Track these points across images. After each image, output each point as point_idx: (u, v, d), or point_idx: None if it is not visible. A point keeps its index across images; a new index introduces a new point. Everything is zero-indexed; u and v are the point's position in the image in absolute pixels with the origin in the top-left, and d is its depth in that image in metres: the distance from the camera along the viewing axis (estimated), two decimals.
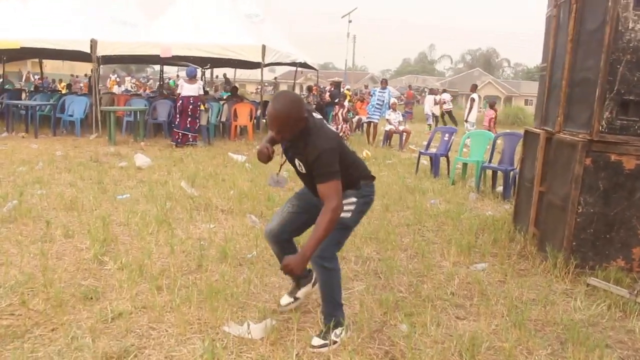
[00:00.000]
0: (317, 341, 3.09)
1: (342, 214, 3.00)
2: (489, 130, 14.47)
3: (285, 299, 3.60)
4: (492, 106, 17.76)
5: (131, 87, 32.67)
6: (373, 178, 3.26)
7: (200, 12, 13.14)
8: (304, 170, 3.06)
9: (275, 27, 16.38)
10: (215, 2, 13.38)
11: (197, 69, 14.52)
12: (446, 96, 21.96)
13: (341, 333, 3.16)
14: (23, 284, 3.76)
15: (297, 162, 3.08)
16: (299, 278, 3.56)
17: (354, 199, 3.11)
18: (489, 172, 8.46)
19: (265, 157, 3.23)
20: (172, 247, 4.58)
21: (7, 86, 19.80)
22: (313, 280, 3.59)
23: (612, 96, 4.18)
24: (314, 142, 2.92)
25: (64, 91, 20.49)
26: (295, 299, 3.59)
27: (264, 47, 12.26)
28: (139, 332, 3.20)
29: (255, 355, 2.98)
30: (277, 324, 3.29)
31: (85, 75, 26.06)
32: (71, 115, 13.51)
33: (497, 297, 3.91)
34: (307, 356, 3.01)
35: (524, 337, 3.27)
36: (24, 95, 17.19)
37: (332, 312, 3.16)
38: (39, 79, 22.53)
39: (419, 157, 9.85)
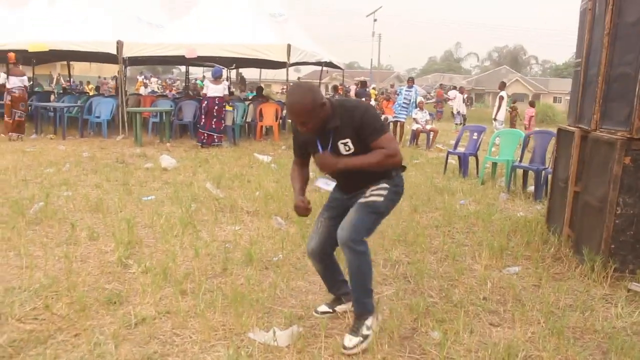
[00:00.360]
0: (350, 341, 3.00)
1: (375, 198, 3.03)
2: (527, 128, 14.26)
3: (323, 308, 3.50)
4: (532, 104, 18.31)
5: (157, 88, 32.96)
6: (404, 168, 3.20)
7: (225, 12, 13.10)
8: (351, 149, 2.97)
9: (300, 27, 16.30)
10: (239, 1, 13.32)
11: (223, 70, 14.51)
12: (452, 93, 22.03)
13: (371, 324, 3.08)
14: (47, 288, 3.72)
15: (341, 144, 2.98)
16: (342, 294, 3.45)
17: (385, 185, 3.06)
18: (520, 172, 8.25)
19: (303, 210, 3.13)
20: (196, 250, 4.50)
21: (36, 88, 20.09)
22: (347, 298, 3.45)
23: None
24: (352, 107, 2.97)
25: (91, 93, 20.72)
26: (333, 311, 3.49)
27: (289, 46, 12.17)
28: (162, 339, 3.13)
29: None
30: (304, 331, 3.19)
31: (114, 77, 26.37)
32: (98, 117, 13.62)
33: (532, 303, 3.75)
34: None
35: (562, 346, 3.11)
36: (52, 98, 17.39)
37: (362, 298, 3.09)
38: (67, 81, 22.81)
39: (447, 156, 9.66)
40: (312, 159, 3.22)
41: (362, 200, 3.05)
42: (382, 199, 3.04)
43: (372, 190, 3.05)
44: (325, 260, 3.31)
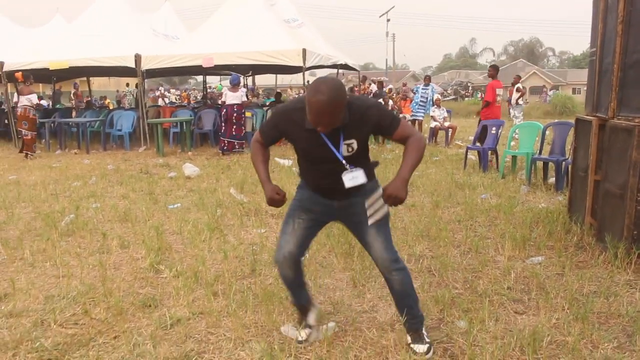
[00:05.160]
0: (421, 347, 2.98)
1: (382, 209, 2.84)
2: None
3: (304, 333, 3.19)
4: None
5: (176, 99, 33.35)
6: (377, 163, 3.05)
7: (240, 21, 13.28)
8: (354, 150, 2.77)
9: (314, 31, 16.43)
10: (253, 10, 13.49)
11: (240, 77, 14.68)
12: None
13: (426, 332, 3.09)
14: (84, 294, 3.88)
15: (345, 145, 2.75)
16: (307, 301, 3.23)
17: (376, 187, 2.92)
18: (540, 164, 8.27)
19: (280, 202, 2.84)
20: (225, 253, 4.63)
21: (57, 105, 20.50)
22: (313, 302, 3.29)
23: None
24: (365, 105, 2.76)
25: (111, 107, 21.07)
26: (311, 327, 3.22)
27: (304, 50, 12.29)
28: (197, 338, 3.25)
29: (313, 356, 2.98)
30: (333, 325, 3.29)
31: (127, 85, 26.48)
32: (120, 130, 13.88)
33: (556, 291, 3.80)
34: (364, 356, 2.99)
35: (587, 331, 3.17)
36: (73, 114, 17.74)
37: (417, 311, 3.04)
38: (87, 97, 23.19)
39: (467, 152, 9.69)
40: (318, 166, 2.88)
41: (373, 217, 2.85)
42: (386, 206, 2.85)
43: (372, 202, 2.85)
44: (298, 265, 3.04)
